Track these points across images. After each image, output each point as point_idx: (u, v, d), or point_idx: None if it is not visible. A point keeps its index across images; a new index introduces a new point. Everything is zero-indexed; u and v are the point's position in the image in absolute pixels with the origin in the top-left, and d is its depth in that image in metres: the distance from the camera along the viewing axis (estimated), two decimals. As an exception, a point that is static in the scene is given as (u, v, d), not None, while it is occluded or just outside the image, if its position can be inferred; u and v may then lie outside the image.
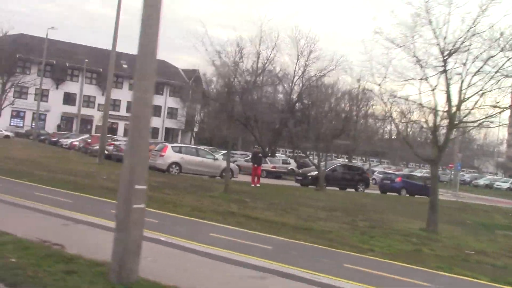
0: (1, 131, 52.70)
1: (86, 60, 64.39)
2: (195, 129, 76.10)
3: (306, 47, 51.00)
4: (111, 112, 72.13)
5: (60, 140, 49.96)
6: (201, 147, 39.60)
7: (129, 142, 6.48)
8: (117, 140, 38.45)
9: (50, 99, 65.87)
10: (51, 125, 65.51)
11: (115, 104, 70.85)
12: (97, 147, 32.13)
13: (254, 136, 47.35)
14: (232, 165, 27.89)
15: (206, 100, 52.01)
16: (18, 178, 15.67)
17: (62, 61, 65.85)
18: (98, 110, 69.12)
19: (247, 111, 32.02)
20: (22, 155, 27.25)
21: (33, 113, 65.10)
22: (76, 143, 44.77)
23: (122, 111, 71.13)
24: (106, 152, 31.64)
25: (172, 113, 75.33)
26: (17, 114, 64.49)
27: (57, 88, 66.14)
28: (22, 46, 64.39)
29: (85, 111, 67.38)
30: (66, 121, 68.05)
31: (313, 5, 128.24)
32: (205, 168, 27.88)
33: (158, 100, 73.48)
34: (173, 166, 27.01)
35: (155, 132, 74.08)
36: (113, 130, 70.44)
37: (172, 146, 29.08)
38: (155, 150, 27.81)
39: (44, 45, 56.81)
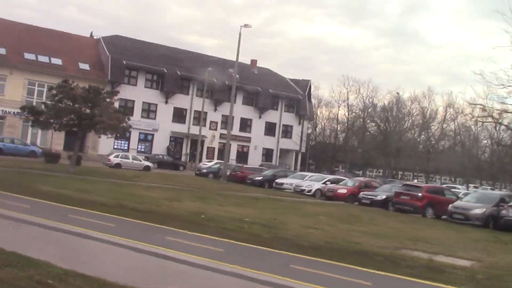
0: (140, 160, 41.26)
1: (209, 68, 53.20)
2: (301, 149, 64.73)
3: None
4: (222, 131, 61.25)
5: (302, 187, 30.60)
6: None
7: None
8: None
9: (158, 116, 54.69)
10: (159, 147, 54.30)
11: (227, 122, 59.48)
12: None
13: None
14: None
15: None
16: None
17: (172, 69, 54.78)
18: (210, 128, 58.05)
19: None
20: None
21: (140, 133, 54.12)
22: (408, 198, 23.95)
23: (235, 130, 59.79)
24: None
25: (286, 131, 63.95)
26: (122, 135, 53.07)
27: (166, 102, 54.98)
28: (123, 50, 53.82)
29: (195, 130, 56.16)
30: (175, 142, 56.73)
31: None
32: None
33: (272, 116, 62.25)
34: None
35: (269, 154, 62.73)
36: (223, 152, 59.20)
37: None
38: None
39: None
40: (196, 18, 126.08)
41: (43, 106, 28.10)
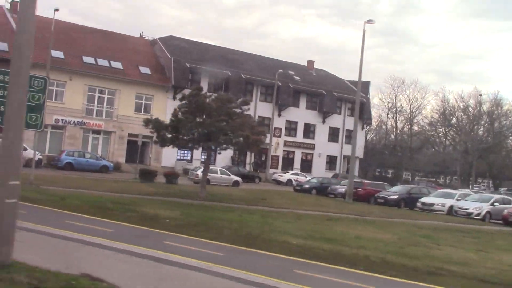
0: (229, 175, 36.81)
1: (280, 71, 48.89)
2: (359, 155, 60.48)
3: None
4: (286, 138, 56.86)
5: (468, 209, 25.81)
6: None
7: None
8: None
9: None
10: (223, 157, 49.65)
11: (291, 128, 55.24)
12: None
13: None
14: None
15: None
16: None
17: (236, 72, 50.39)
18: (274, 135, 53.58)
19: None
20: None
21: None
22: None
23: (299, 136, 55.48)
24: None
25: (349, 137, 59.61)
26: (185, 144, 48.61)
27: (230, 108, 50.38)
28: (183, 52, 49.39)
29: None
30: (239, 152, 52.21)
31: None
32: None
33: (336, 120, 57.90)
34: None
35: (332, 161, 58.43)
36: (289, 161, 54.99)
37: None
38: None
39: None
40: (187, 19, 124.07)
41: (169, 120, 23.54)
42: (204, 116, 22.61)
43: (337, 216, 20.47)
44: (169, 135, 22.80)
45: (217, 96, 23.43)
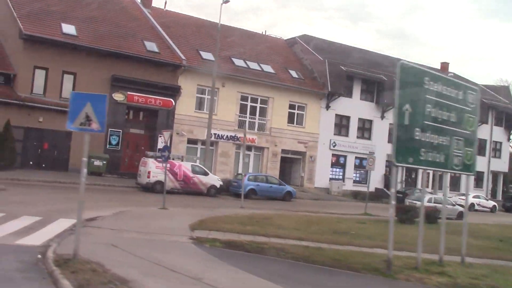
0: (453, 204, 29.86)
1: (451, 74, 41.84)
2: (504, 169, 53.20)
3: None
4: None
5: None
6: None
7: None
8: None
9: (374, 135, 43.22)
10: (374, 174, 42.57)
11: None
12: None
13: None
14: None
15: None
16: None
17: (390, 77, 43.35)
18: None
19: None
20: None
21: (355, 157, 42.49)
22: None
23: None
24: None
25: (496, 149, 52.37)
26: (337, 161, 41.73)
27: (382, 118, 43.50)
28: (329, 53, 42.33)
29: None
30: (389, 168, 45.15)
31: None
32: None
33: (482, 131, 50.59)
34: None
35: (479, 178, 51.06)
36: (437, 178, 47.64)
37: None
38: None
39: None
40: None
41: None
42: None
43: None
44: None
45: None
